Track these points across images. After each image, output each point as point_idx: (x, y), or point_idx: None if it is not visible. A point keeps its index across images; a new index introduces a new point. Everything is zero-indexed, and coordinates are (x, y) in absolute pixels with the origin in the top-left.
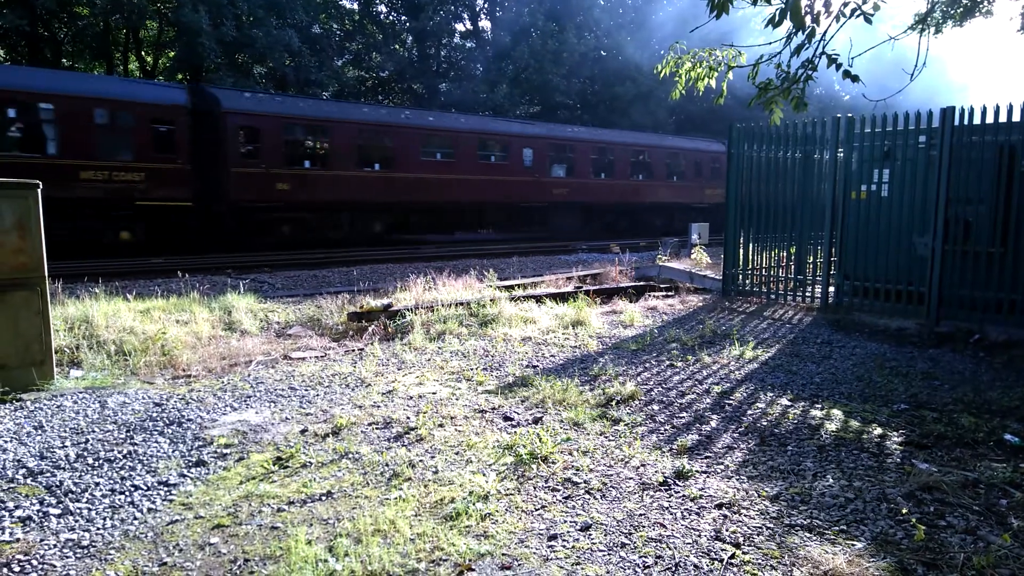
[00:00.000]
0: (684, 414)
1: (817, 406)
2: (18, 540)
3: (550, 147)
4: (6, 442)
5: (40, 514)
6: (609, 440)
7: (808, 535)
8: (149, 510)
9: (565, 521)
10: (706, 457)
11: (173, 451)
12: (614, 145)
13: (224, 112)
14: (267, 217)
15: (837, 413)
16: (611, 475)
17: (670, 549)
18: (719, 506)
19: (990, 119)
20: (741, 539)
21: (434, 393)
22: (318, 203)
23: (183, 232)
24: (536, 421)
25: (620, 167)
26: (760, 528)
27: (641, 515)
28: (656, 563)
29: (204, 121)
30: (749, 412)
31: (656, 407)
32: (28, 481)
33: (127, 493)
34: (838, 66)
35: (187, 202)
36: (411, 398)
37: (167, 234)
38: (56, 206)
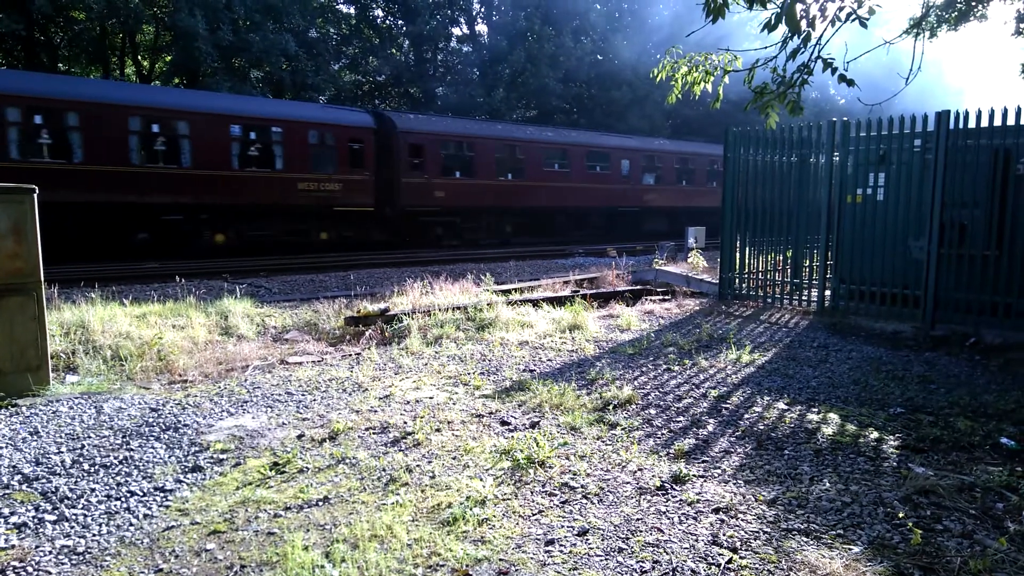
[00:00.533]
0: (681, 418)
1: (814, 410)
2: (13, 547)
3: (643, 158)
4: (1, 448)
5: (35, 520)
6: (606, 444)
7: (805, 539)
8: (145, 516)
9: (562, 526)
10: (703, 461)
11: (169, 457)
12: (695, 155)
13: (398, 132)
14: (426, 220)
15: (834, 417)
16: (608, 479)
17: (667, 554)
18: (716, 510)
19: (985, 123)
20: (738, 543)
21: (431, 398)
22: (465, 208)
23: (366, 233)
24: (533, 426)
25: (699, 175)
26: (757, 532)
27: (638, 520)
28: (653, 568)
29: (382, 139)
30: (746, 416)
31: (653, 411)
32: (24, 487)
33: (123, 499)
34: (833, 70)
35: (370, 207)
36: (408, 403)
37: (354, 234)
38: (280, 212)
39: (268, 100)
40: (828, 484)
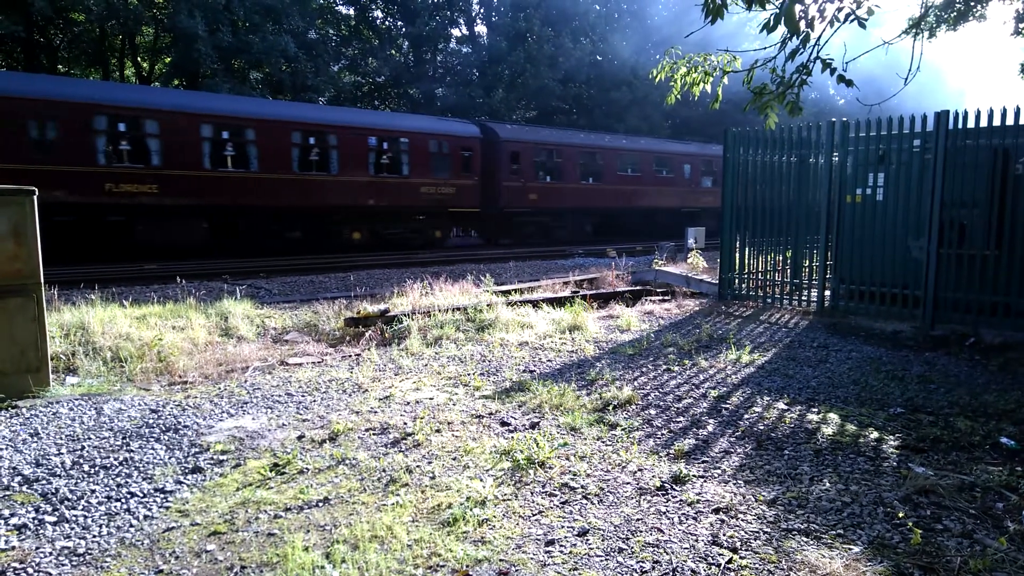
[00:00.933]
0: (681, 419)
1: (814, 410)
2: (13, 548)
3: (701, 162)
4: (1, 449)
5: (36, 522)
6: (606, 445)
7: (805, 539)
8: (145, 517)
9: (562, 526)
10: (703, 461)
11: (169, 458)
12: None
13: (501, 141)
14: (521, 220)
15: (833, 417)
16: (608, 480)
17: (667, 554)
18: (716, 511)
19: (984, 123)
20: (738, 544)
21: (431, 399)
22: (554, 209)
23: (471, 231)
24: (533, 426)
25: None
26: (757, 532)
27: (638, 520)
28: (653, 568)
29: (486, 148)
30: (746, 416)
31: (653, 412)
32: (24, 488)
33: (123, 500)
34: (832, 71)
35: (476, 208)
36: (408, 404)
37: (461, 232)
38: (405, 212)
39: (398, 114)
40: (828, 484)
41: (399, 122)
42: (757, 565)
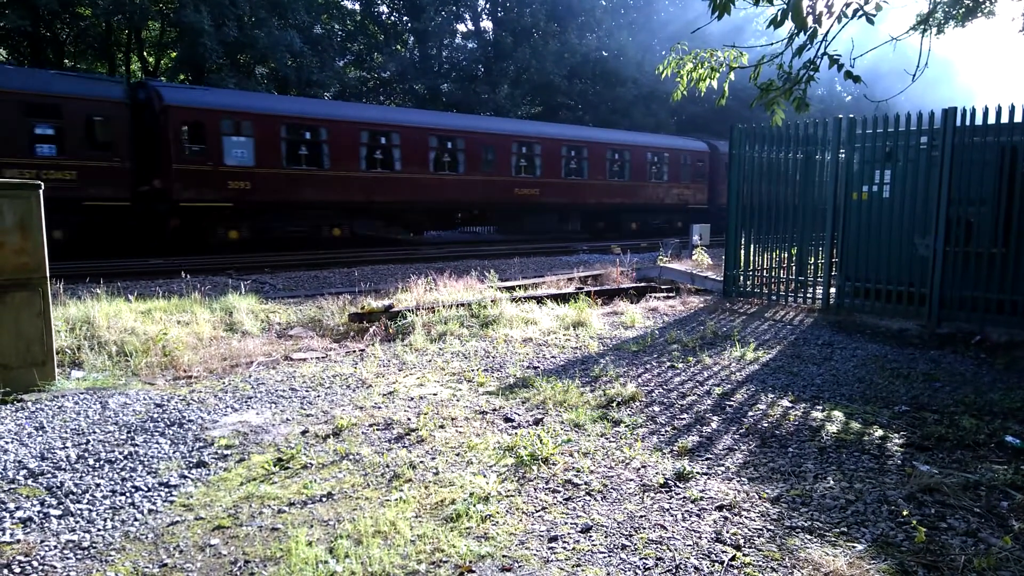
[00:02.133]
0: (685, 415)
1: (818, 407)
2: (19, 541)
3: None
4: (7, 443)
5: (41, 515)
6: (610, 441)
7: (809, 537)
8: (150, 511)
9: (566, 523)
10: (707, 459)
11: (174, 452)
12: None
13: (720, 154)
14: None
15: (838, 415)
16: (612, 476)
17: (671, 551)
18: (720, 508)
19: (992, 120)
20: (742, 541)
21: (435, 394)
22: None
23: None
24: (537, 422)
25: None
26: (761, 530)
27: (642, 517)
28: (656, 565)
29: (711, 159)
30: (750, 413)
31: (657, 408)
32: (29, 482)
33: (128, 494)
34: (840, 67)
35: (705, 205)
36: (412, 399)
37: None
38: (659, 208)
39: (663, 136)
40: (832, 482)
41: (664, 141)
42: (760, 562)
